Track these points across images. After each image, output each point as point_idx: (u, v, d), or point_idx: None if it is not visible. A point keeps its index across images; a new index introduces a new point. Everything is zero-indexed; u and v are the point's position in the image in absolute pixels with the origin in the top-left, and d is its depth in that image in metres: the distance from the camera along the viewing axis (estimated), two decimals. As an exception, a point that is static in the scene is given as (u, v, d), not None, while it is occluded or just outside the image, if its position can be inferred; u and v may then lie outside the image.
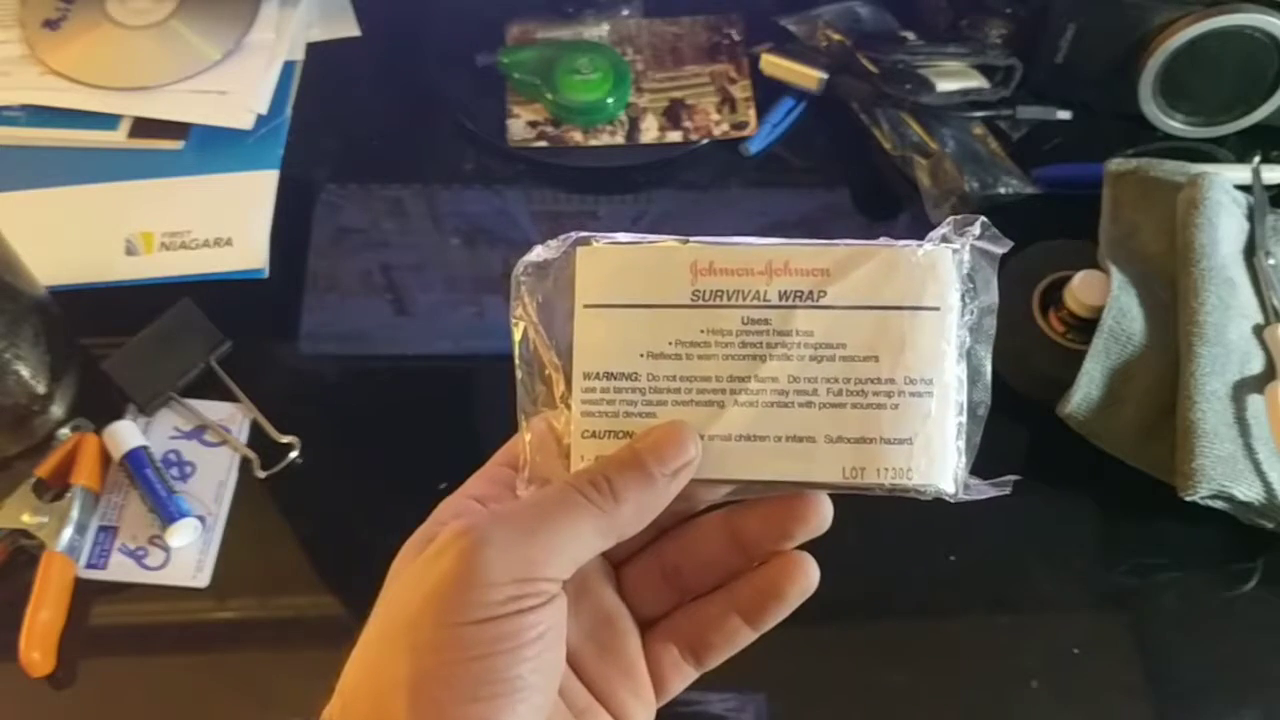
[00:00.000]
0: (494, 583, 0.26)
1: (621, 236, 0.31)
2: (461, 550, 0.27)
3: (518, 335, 0.31)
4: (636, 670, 0.32)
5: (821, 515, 0.31)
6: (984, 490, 0.31)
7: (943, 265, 0.30)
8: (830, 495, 0.31)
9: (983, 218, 0.30)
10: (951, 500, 0.30)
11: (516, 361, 0.31)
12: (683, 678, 0.33)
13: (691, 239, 0.31)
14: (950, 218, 0.31)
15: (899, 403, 0.29)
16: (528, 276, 0.31)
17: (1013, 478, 0.31)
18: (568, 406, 0.30)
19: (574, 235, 0.31)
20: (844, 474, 0.30)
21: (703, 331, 0.30)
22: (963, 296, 0.30)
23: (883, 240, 0.30)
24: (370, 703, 0.27)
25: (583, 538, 0.28)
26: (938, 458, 0.30)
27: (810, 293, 0.30)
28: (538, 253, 0.31)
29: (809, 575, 0.32)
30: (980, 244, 0.30)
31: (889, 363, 0.29)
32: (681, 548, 0.33)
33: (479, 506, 0.31)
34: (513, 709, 0.26)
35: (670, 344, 0.30)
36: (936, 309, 0.30)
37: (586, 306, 0.30)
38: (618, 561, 0.34)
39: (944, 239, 0.30)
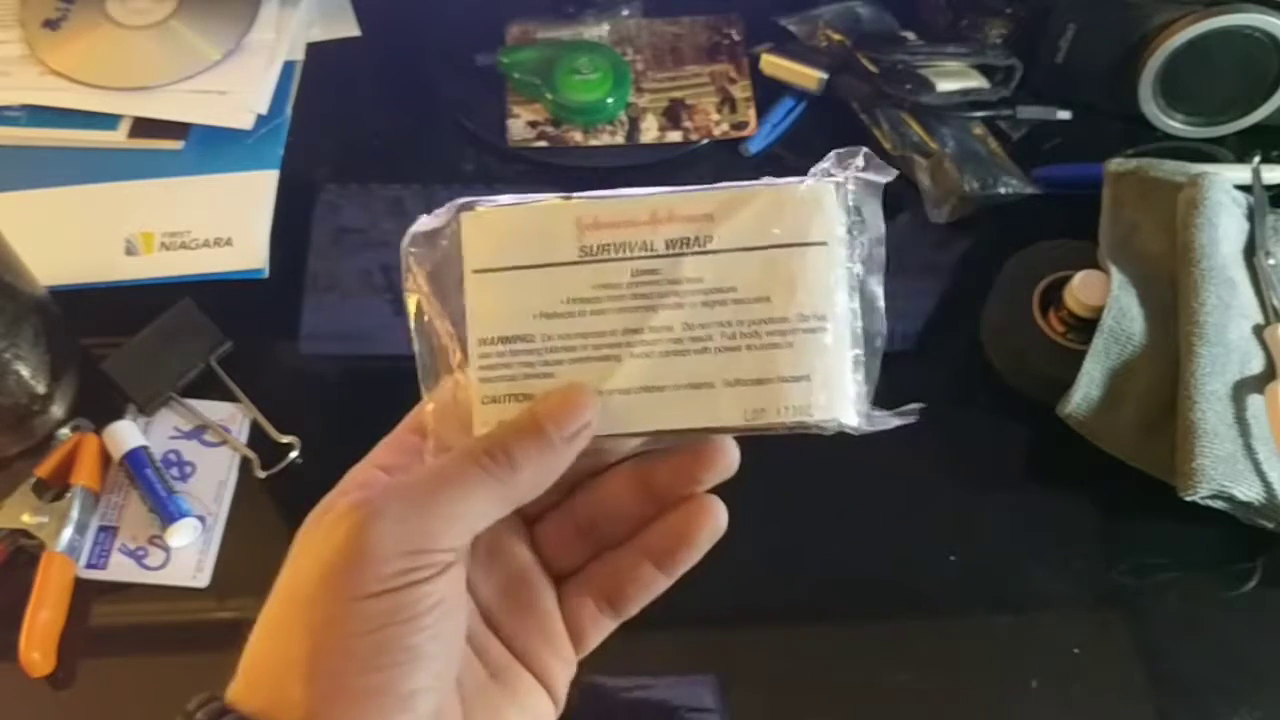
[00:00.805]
0: (385, 556, 0.26)
1: (505, 199, 0.30)
2: (352, 525, 0.27)
3: (412, 308, 0.31)
4: (553, 628, 0.33)
5: (728, 459, 0.31)
6: (888, 421, 0.30)
7: (826, 199, 0.30)
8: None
9: (865, 149, 0.30)
10: (855, 433, 0.30)
11: (413, 333, 0.31)
12: (601, 630, 0.33)
13: (574, 196, 0.30)
14: (833, 151, 0.30)
15: (793, 340, 0.29)
16: (417, 247, 0.31)
17: (917, 405, 0.30)
18: (466, 374, 0.30)
19: (458, 202, 0.31)
20: (745, 416, 0.29)
21: (593, 287, 0.30)
22: (850, 229, 0.30)
23: (765, 180, 0.30)
24: (271, 681, 0.27)
25: (478, 507, 0.28)
26: (837, 392, 0.29)
27: (697, 239, 0.30)
28: (424, 223, 0.31)
29: (717, 518, 0.32)
30: (864, 175, 0.30)
31: (781, 301, 0.29)
32: (594, 501, 0.33)
33: (384, 477, 0.31)
34: (410, 677, 0.26)
35: (562, 302, 0.30)
36: (824, 244, 0.29)
37: (475, 272, 0.30)
38: (532, 518, 0.34)
39: (826, 173, 0.30)
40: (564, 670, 0.33)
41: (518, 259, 0.30)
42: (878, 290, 0.30)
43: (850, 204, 0.30)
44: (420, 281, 0.31)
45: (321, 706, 0.26)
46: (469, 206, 0.30)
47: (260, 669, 0.28)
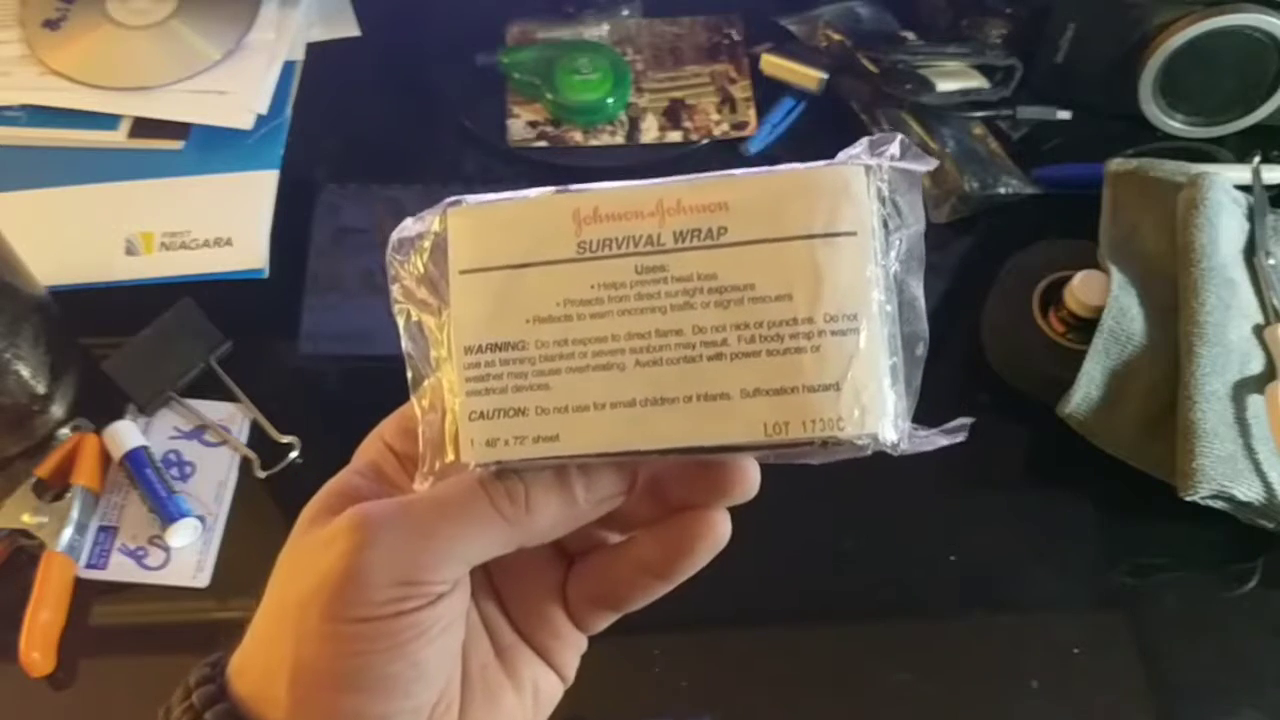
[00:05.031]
0: (375, 584, 0.26)
1: (495, 196, 0.28)
2: (347, 549, 0.26)
3: (401, 321, 0.28)
4: (556, 618, 0.32)
5: (746, 482, 0.29)
6: (933, 440, 0.27)
7: (856, 185, 0.26)
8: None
9: (901, 135, 0.27)
10: (894, 452, 0.26)
11: (403, 345, 0.28)
12: (603, 621, 0.33)
13: (573, 187, 0.27)
14: (865, 138, 0.27)
15: (820, 344, 0.25)
16: (402, 254, 0.28)
17: (967, 421, 0.27)
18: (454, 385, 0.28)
19: (446, 201, 0.28)
20: (766, 431, 0.26)
21: (593, 287, 0.26)
22: (885, 222, 0.26)
23: (786, 165, 0.27)
24: (260, 673, 0.28)
25: (481, 545, 0.27)
26: (872, 404, 0.25)
27: (709, 231, 0.26)
28: (408, 227, 0.28)
29: (720, 532, 0.29)
30: (901, 164, 0.26)
31: (805, 300, 0.25)
32: None
33: (394, 461, 0.30)
34: (385, 700, 0.26)
35: (558, 304, 0.26)
36: (854, 234, 0.26)
37: (462, 273, 0.27)
38: None
39: (856, 159, 0.27)
40: (570, 651, 0.32)
41: (508, 257, 0.27)
42: (918, 291, 0.27)
43: (885, 194, 0.27)
44: (411, 290, 0.28)
45: (298, 712, 0.27)
46: (456, 203, 0.28)
47: (253, 657, 0.28)
